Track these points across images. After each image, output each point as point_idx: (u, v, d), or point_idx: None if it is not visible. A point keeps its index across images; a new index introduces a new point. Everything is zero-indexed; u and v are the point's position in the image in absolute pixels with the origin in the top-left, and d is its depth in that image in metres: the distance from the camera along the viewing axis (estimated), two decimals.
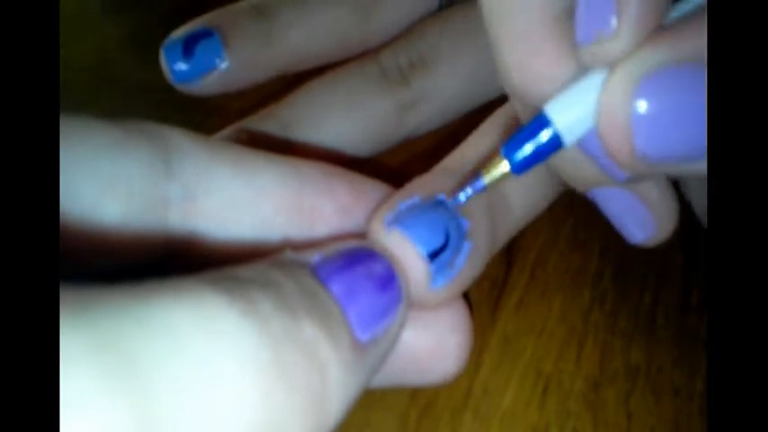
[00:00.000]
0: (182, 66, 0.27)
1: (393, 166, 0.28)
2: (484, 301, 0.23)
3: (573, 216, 0.26)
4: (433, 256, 0.17)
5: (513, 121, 0.22)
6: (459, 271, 0.18)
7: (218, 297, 0.12)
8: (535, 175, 0.21)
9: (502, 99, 0.27)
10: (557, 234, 0.26)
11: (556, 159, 0.19)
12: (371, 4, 0.29)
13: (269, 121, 0.27)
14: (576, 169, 0.20)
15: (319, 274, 0.14)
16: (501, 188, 0.20)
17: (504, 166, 0.17)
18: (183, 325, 0.11)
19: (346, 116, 0.26)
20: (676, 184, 0.26)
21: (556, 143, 0.17)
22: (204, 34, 0.27)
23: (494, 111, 0.25)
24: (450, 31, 0.27)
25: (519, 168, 0.17)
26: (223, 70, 0.27)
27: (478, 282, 0.22)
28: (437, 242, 0.18)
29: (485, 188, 0.18)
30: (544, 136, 0.17)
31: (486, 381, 0.21)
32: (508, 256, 0.24)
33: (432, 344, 0.18)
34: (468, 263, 0.19)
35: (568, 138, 0.17)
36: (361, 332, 0.14)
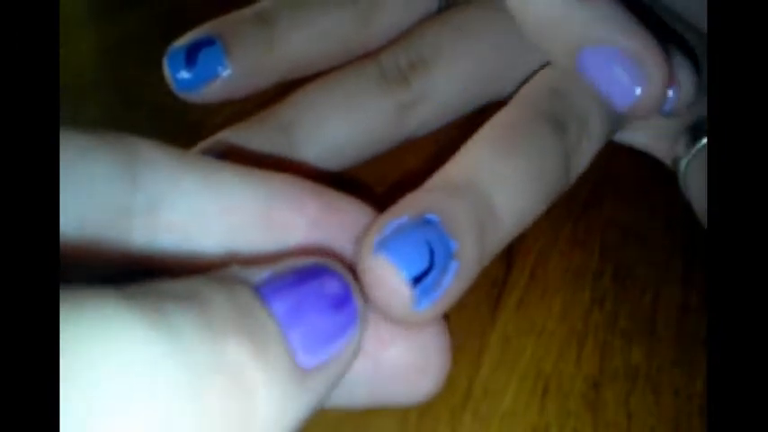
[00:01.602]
0: (184, 74, 0.27)
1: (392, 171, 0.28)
2: (484, 301, 0.23)
3: (573, 216, 0.26)
4: (419, 278, 0.18)
5: (505, 131, 0.22)
6: (445, 291, 0.19)
7: (126, 309, 0.11)
8: (524, 183, 0.22)
9: (501, 101, 0.27)
10: (557, 234, 0.26)
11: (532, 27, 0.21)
12: (372, 9, 0.29)
13: (269, 121, 0.27)
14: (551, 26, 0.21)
15: (262, 291, 0.13)
16: (488, 200, 0.21)
17: None
18: (82, 337, 0.10)
19: (346, 116, 0.26)
20: (676, 185, 0.26)
21: None
22: (206, 42, 0.27)
23: (493, 113, 0.25)
24: (450, 31, 0.27)
25: None
26: (226, 78, 0.27)
27: (478, 282, 0.22)
28: (422, 265, 0.18)
29: None
30: None
31: (486, 381, 0.21)
32: (508, 257, 0.24)
33: (418, 360, 0.18)
34: (455, 282, 0.19)
35: None
36: (305, 355, 0.13)
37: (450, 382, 0.21)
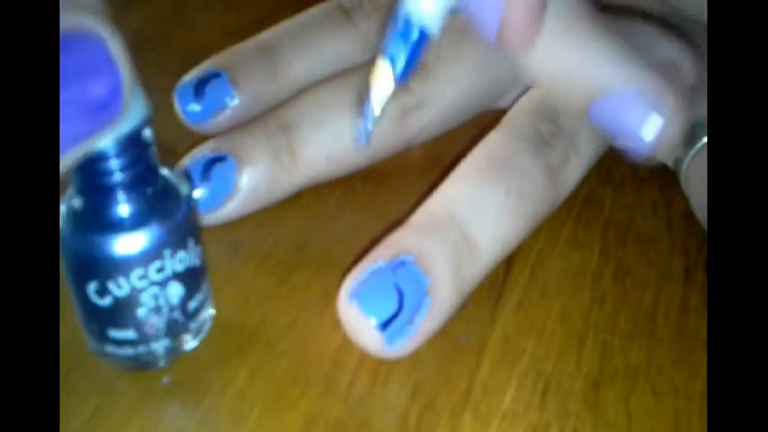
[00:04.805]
0: (194, 107, 0.29)
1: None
2: (484, 301, 0.23)
3: (573, 216, 0.26)
4: (390, 320, 0.19)
5: (485, 162, 0.23)
6: (420, 326, 0.20)
7: None
8: (505, 211, 0.22)
9: (500, 110, 0.27)
10: (557, 234, 0.26)
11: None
12: (372, 33, 0.29)
13: (270, 122, 0.27)
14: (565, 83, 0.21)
15: None
16: (467, 232, 0.21)
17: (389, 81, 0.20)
18: None
19: (348, 119, 0.26)
20: (676, 185, 0.26)
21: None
22: (213, 76, 0.28)
23: (492, 119, 0.25)
24: (451, 35, 0.27)
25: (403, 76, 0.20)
26: (234, 107, 0.28)
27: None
28: (390, 309, 0.20)
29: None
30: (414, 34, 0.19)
31: (486, 381, 0.21)
32: (508, 257, 0.24)
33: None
34: (429, 317, 0.20)
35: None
36: None
37: (450, 382, 0.21)
